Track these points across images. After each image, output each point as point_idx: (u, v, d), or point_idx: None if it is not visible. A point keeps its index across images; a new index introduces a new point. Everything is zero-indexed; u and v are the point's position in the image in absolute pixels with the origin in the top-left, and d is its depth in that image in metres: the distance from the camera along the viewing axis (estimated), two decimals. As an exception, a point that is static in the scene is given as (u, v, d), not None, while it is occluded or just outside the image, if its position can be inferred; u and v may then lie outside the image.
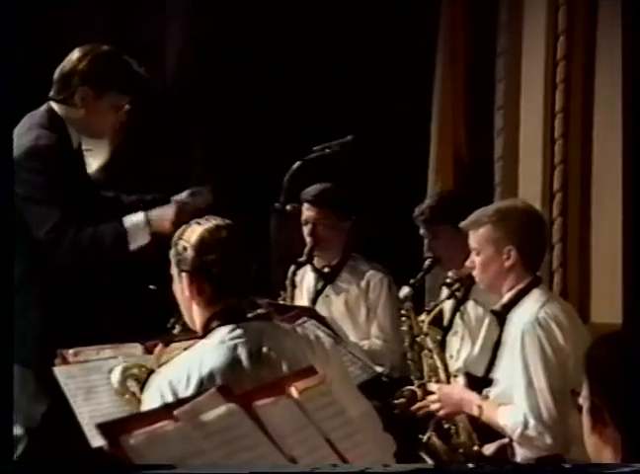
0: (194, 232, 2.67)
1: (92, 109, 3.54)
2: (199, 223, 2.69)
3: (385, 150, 5.21)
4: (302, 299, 4.52)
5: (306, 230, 4.43)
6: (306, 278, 4.57)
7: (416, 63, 5.13)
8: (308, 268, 4.53)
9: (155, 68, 5.78)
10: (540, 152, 4.51)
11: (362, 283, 4.42)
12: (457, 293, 3.85)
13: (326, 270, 4.49)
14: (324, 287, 4.48)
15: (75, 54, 3.54)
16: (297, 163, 4.62)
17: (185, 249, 2.66)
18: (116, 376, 2.86)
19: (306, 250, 4.42)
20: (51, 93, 3.57)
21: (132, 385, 2.83)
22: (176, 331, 3.12)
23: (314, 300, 4.45)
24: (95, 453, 2.73)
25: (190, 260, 2.65)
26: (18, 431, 3.41)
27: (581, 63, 4.49)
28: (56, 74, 3.57)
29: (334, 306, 4.44)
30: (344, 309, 4.43)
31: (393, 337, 4.28)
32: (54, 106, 3.56)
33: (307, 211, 4.44)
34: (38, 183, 3.40)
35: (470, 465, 3.35)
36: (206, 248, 2.64)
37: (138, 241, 3.48)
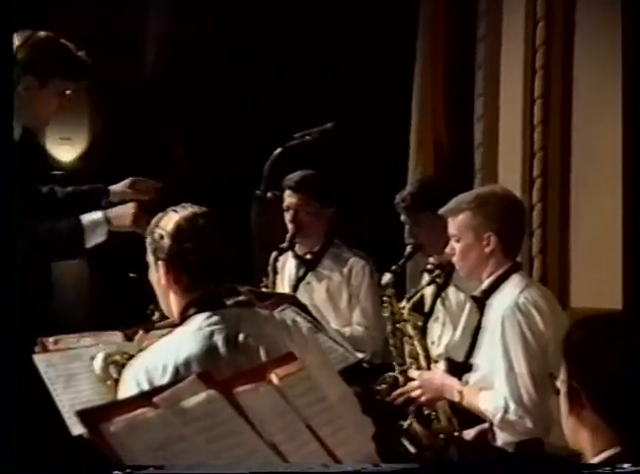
0: (170, 220, 2.65)
1: (36, 97, 3.48)
2: (175, 211, 2.67)
3: (365, 137, 5.22)
4: (283, 286, 4.52)
5: (288, 216, 4.43)
6: (287, 265, 4.57)
7: (395, 49, 5.14)
8: (290, 254, 4.53)
9: (137, 58, 5.79)
10: (520, 139, 4.52)
11: (345, 270, 4.43)
12: (438, 280, 3.86)
13: (308, 256, 4.49)
14: (305, 274, 4.49)
15: (14, 43, 3.45)
16: (278, 150, 4.62)
17: (161, 237, 2.65)
18: (98, 363, 2.85)
19: (288, 236, 4.42)
20: None
21: (114, 372, 2.82)
22: (155, 317, 3.12)
23: (295, 287, 4.46)
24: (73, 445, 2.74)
25: (166, 248, 2.64)
26: None
27: (560, 50, 4.49)
28: None
29: (315, 293, 4.45)
30: (325, 296, 4.43)
31: (375, 323, 4.29)
32: None
33: (289, 198, 4.44)
34: None
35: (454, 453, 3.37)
36: (183, 236, 2.63)
37: (95, 239, 3.47)
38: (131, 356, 2.76)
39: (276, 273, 4.43)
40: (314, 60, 5.44)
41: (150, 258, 2.71)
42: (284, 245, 4.43)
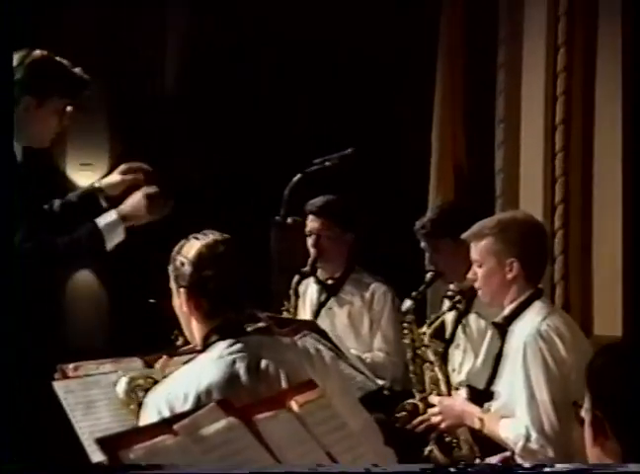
0: (192, 247, 2.66)
1: (35, 117, 3.49)
2: (197, 238, 2.68)
3: (386, 163, 5.22)
4: (305, 310, 4.51)
5: (310, 241, 4.44)
6: (309, 290, 4.57)
7: (416, 72, 5.14)
8: (311, 279, 4.53)
9: (157, 81, 5.81)
10: (541, 165, 4.51)
11: (366, 295, 4.42)
12: (459, 306, 3.84)
13: (329, 282, 4.49)
14: (327, 299, 4.48)
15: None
16: (297, 176, 4.63)
17: (182, 264, 2.65)
18: (122, 386, 2.86)
19: (310, 260, 4.42)
20: None
21: (138, 396, 2.82)
22: (179, 343, 3.11)
23: (317, 312, 4.45)
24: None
25: (187, 275, 2.64)
26: None
27: (581, 75, 4.48)
28: None
29: (337, 318, 4.44)
30: (347, 321, 4.42)
31: (396, 350, 4.27)
32: None
33: (311, 222, 4.45)
34: None
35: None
36: (204, 263, 2.63)
37: (115, 239, 3.46)
38: (156, 381, 2.76)
39: (297, 296, 4.43)
40: (314, 62, 5.45)
41: (172, 284, 2.72)
42: (306, 269, 4.44)
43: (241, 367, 2.58)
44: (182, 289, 2.67)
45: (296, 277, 4.45)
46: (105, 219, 3.46)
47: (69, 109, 3.55)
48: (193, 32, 5.75)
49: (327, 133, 5.14)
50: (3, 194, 3.04)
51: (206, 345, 2.65)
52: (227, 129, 5.53)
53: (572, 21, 4.48)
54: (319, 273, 4.49)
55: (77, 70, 3.56)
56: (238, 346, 2.61)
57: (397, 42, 5.23)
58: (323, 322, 4.36)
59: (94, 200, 3.66)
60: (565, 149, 4.46)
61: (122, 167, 3.69)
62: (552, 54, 4.49)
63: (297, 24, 5.39)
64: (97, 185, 3.70)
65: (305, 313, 4.49)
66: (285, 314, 4.36)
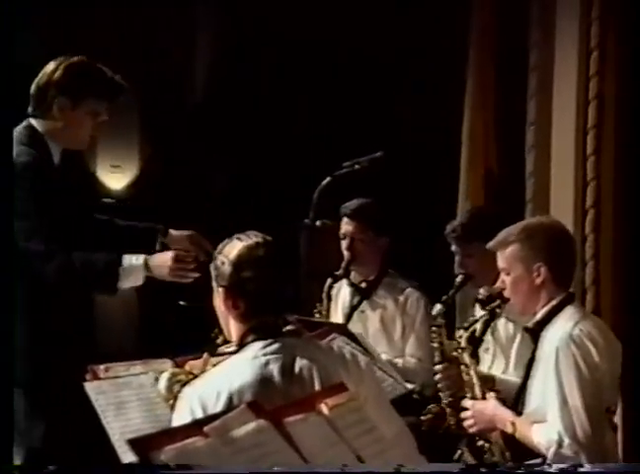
0: (233, 248, 2.67)
1: (70, 119, 3.54)
2: (239, 239, 2.69)
3: (415, 166, 5.21)
4: (337, 313, 4.51)
5: (344, 244, 4.44)
6: (342, 293, 4.56)
7: (447, 76, 5.14)
8: (344, 282, 4.53)
9: (185, 80, 5.84)
10: (572, 168, 4.48)
11: (400, 300, 4.42)
12: (498, 310, 3.81)
13: (363, 285, 4.49)
14: (360, 302, 4.47)
15: (49, 67, 3.55)
16: (327, 179, 4.63)
17: (223, 264, 2.67)
18: (163, 382, 2.89)
19: (343, 264, 4.42)
20: (29, 109, 3.57)
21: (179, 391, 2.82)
22: (219, 341, 3.13)
23: (349, 315, 4.45)
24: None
25: (227, 275, 2.66)
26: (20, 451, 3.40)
27: (613, 79, 4.46)
28: (32, 89, 3.57)
29: (369, 322, 4.43)
30: (379, 325, 4.42)
31: (428, 356, 4.25)
32: (33, 122, 3.55)
33: (346, 225, 4.46)
34: (20, 197, 3.38)
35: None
36: (244, 265, 2.64)
37: (130, 281, 3.48)
38: (196, 377, 2.78)
39: (330, 300, 4.43)
40: (363, 82, 5.46)
41: (213, 283, 2.73)
42: (340, 272, 4.43)
43: (275, 369, 2.58)
44: (221, 289, 2.68)
45: (329, 281, 4.45)
46: (130, 259, 3.47)
47: (105, 115, 3.59)
48: (223, 34, 5.77)
49: (357, 137, 5.14)
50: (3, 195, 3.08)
51: (242, 344, 2.66)
52: (257, 132, 5.55)
53: (605, 24, 4.46)
54: (352, 276, 4.49)
55: (114, 75, 3.61)
56: (273, 347, 2.62)
57: (430, 48, 5.23)
58: (355, 325, 4.36)
59: (153, 237, 3.70)
60: (596, 153, 4.43)
61: (195, 234, 3.71)
62: (584, 58, 4.47)
63: (319, 26, 5.40)
64: (166, 229, 3.73)
65: (337, 316, 4.48)
66: (318, 317, 4.36)
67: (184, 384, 2.78)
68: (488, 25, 4.94)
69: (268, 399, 2.32)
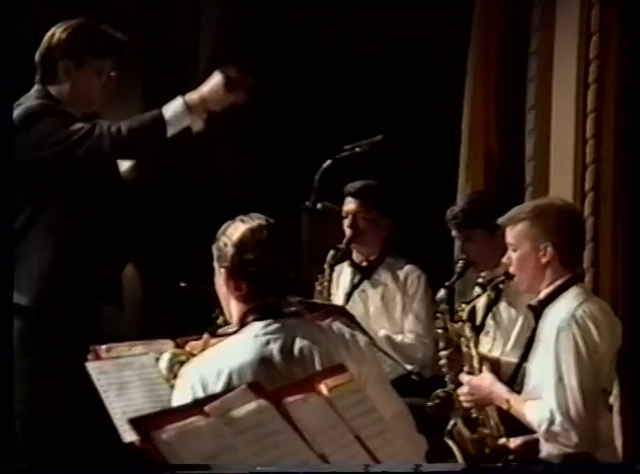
0: (236, 230, 2.70)
1: (76, 80, 3.56)
2: (242, 221, 2.71)
3: (416, 149, 5.21)
4: (338, 293, 4.53)
5: (346, 222, 4.46)
6: (343, 273, 4.58)
7: (447, 61, 5.13)
8: (346, 262, 4.55)
9: (189, 61, 5.83)
10: (572, 152, 4.49)
11: (400, 277, 4.47)
12: (501, 285, 3.83)
13: (364, 264, 4.51)
14: (360, 282, 4.50)
15: (51, 32, 3.57)
16: (328, 162, 4.64)
17: (225, 245, 2.69)
18: (164, 363, 2.91)
19: (345, 240, 4.45)
20: (36, 77, 3.59)
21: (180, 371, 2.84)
22: (219, 321, 3.15)
23: (350, 294, 4.47)
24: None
25: (229, 257, 2.68)
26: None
27: (614, 64, 4.45)
28: (37, 56, 3.59)
29: (370, 301, 4.47)
30: (380, 304, 4.46)
31: (426, 331, 4.30)
32: (42, 86, 3.57)
33: (348, 204, 4.50)
34: (46, 131, 3.41)
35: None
36: (247, 247, 2.67)
37: (179, 125, 3.47)
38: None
39: (332, 270, 4.44)
40: (363, 64, 5.45)
41: (215, 264, 2.75)
42: (341, 246, 4.45)
43: (275, 348, 2.61)
44: (222, 270, 2.71)
45: (332, 252, 4.46)
46: (168, 107, 3.48)
47: (112, 73, 3.59)
48: (227, 18, 5.77)
49: (357, 120, 5.15)
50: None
51: (243, 324, 2.68)
52: (259, 116, 5.54)
53: (606, 7, 4.45)
54: (354, 255, 4.50)
55: (114, 32, 3.62)
56: (274, 327, 2.65)
57: (429, 30, 5.22)
58: (356, 305, 4.40)
59: None
60: (596, 137, 4.44)
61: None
62: (585, 42, 4.46)
63: (325, 14, 5.40)
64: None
65: (338, 295, 4.50)
66: (318, 288, 4.38)
67: (184, 364, 2.80)
68: (489, 9, 4.93)
69: (268, 378, 2.35)
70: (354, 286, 4.51)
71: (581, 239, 3.54)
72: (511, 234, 3.45)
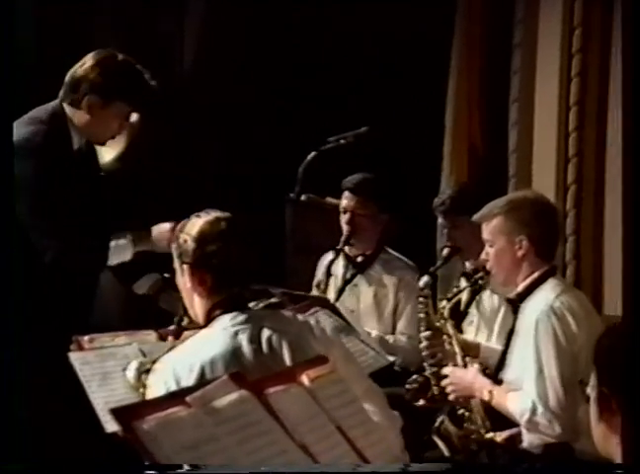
0: (194, 225, 2.72)
1: (97, 116, 3.53)
2: (198, 216, 2.73)
3: (399, 141, 5.22)
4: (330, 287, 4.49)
5: (344, 218, 4.38)
6: (335, 266, 4.52)
7: (431, 54, 5.14)
8: (340, 256, 4.49)
9: (175, 59, 5.83)
10: (555, 145, 4.51)
11: (395, 278, 4.39)
12: (481, 281, 3.86)
13: (359, 259, 4.46)
14: (353, 276, 4.45)
15: (89, 62, 3.53)
16: (312, 154, 4.65)
17: (185, 241, 2.71)
18: (131, 372, 2.89)
19: (343, 238, 4.36)
20: (60, 94, 3.57)
21: (147, 380, 2.85)
22: (184, 323, 3.15)
23: (342, 289, 4.42)
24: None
25: (191, 251, 2.69)
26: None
27: (597, 57, 4.48)
28: (67, 77, 3.56)
29: (362, 296, 4.40)
30: (372, 301, 4.39)
31: (418, 334, 4.27)
32: (64, 105, 3.56)
33: (347, 200, 4.38)
34: (30, 177, 3.40)
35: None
36: (207, 239, 2.68)
37: (119, 258, 3.54)
38: None
39: (330, 275, 4.40)
40: (347, 57, 5.46)
41: (176, 263, 2.77)
42: (339, 246, 4.40)
43: (243, 339, 2.62)
44: (185, 266, 2.72)
45: (331, 255, 4.42)
46: (118, 240, 3.52)
47: (134, 118, 3.58)
48: (211, 16, 5.76)
49: (341, 112, 5.15)
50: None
51: (210, 319, 2.69)
52: (243, 109, 5.54)
53: (588, 2, 4.47)
54: (348, 249, 4.44)
55: (152, 82, 3.59)
56: (241, 318, 2.66)
57: (412, 22, 5.23)
58: (348, 299, 4.36)
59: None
60: (578, 130, 4.46)
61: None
62: (568, 35, 4.49)
63: (311, 11, 5.40)
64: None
65: (329, 289, 4.46)
66: (317, 292, 4.34)
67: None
68: (473, 1, 4.95)
69: (240, 368, 2.36)
70: (346, 281, 4.45)
71: (556, 231, 3.55)
72: (486, 230, 3.46)
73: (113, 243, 3.51)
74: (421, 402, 3.71)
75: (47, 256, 3.42)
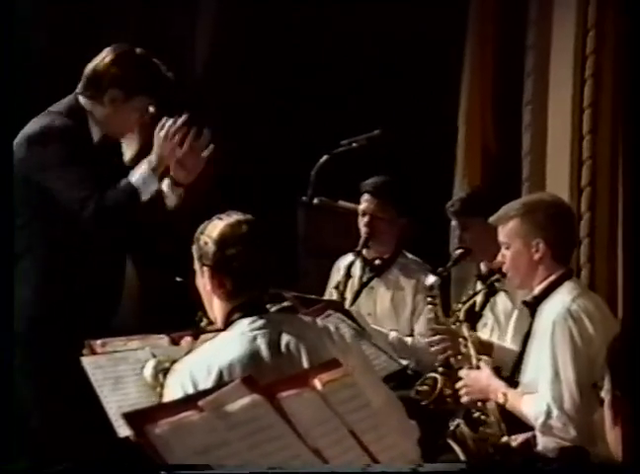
0: (215, 227, 2.71)
1: (119, 110, 3.56)
2: (220, 218, 2.73)
3: (412, 144, 5.21)
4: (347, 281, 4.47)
5: (363, 221, 4.38)
6: (352, 269, 4.50)
7: (444, 56, 5.12)
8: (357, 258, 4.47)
9: (185, 61, 5.83)
10: (568, 147, 4.49)
11: (412, 282, 4.38)
12: (497, 284, 3.85)
13: (376, 262, 4.44)
14: (371, 279, 4.44)
15: (108, 56, 3.55)
16: (325, 157, 4.64)
17: (206, 243, 2.70)
18: (148, 370, 2.90)
19: (361, 241, 4.37)
20: (79, 88, 3.58)
21: (164, 379, 2.85)
22: (203, 324, 3.15)
23: (359, 291, 4.41)
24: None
25: (211, 254, 2.69)
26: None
27: (611, 58, 4.45)
28: (87, 72, 3.57)
29: (379, 299, 4.40)
30: (389, 304, 4.39)
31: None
32: (80, 98, 3.58)
33: (367, 203, 4.38)
34: (52, 157, 3.43)
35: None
36: (228, 242, 2.68)
37: (149, 189, 3.50)
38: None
39: (349, 277, 4.39)
40: (359, 59, 5.45)
41: (196, 264, 2.76)
42: (358, 249, 4.39)
43: (262, 343, 2.62)
44: (205, 268, 2.72)
45: (350, 258, 4.41)
46: (134, 173, 3.50)
47: (151, 109, 3.59)
48: (224, 12, 5.76)
49: (355, 115, 5.14)
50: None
51: (229, 322, 2.69)
52: (256, 110, 5.54)
53: (602, 3, 4.45)
54: (366, 252, 4.43)
55: (169, 74, 3.61)
56: (259, 322, 2.66)
57: (426, 24, 5.22)
58: (365, 302, 4.36)
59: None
60: (592, 132, 4.44)
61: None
62: (582, 37, 4.46)
63: (321, 11, 5.40)
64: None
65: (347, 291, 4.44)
66: (335, 294, 4.33)
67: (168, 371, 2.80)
68: (486, 3, 4.93)
69: (257, 374, 2.35)
70: (363, 284, 4.44)
71: (572, 233, 3.55)
72: (502, 233, 3.45)
73: (134, 180, 3.48)
74: (425, 402, 3.70)
75: (88, 210, 3.40)
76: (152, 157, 3.52)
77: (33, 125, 3.51)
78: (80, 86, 3.58)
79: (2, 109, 3.34)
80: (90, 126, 3.57)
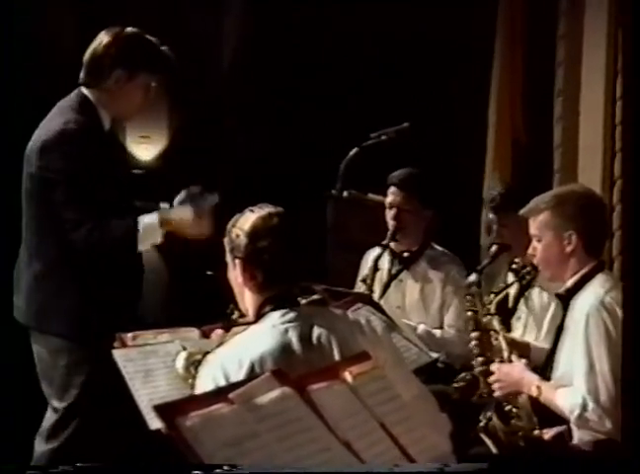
0: (247, 220, 2.71)
1: (124, 90, 3.58)
2: (252, 211, 2.73)
3: (442, 137, 5.20)
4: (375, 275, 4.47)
5: (390, 214, 4.39)
6: (381, 261, 4.51)
7: (475, 45, 5.10)
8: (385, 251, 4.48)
9: (211, 59, 5.85)
10: (600, 139, 4.45)
11: (441, 274, 4.38)
12: (528, 276, 3.82)
13: (405, 254, 4.45)
14: (399, 272, 4.45)
15: (105, 38, 3.57)
16: (354, 150, 4.63)
17: (238, 236, 2.70)
18: (180, 362, 2.91)
19: (389, 234, 4.38)
20: (82, 78, 3.60)
21: (197, 370, 2.86)
22: (234, 316, 3.16)
23: (388, 284, 4.42)
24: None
25: (243, 246, 2.69)
26: (55, 404, 3.54)
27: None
28: (87, 58, 3.60)
29: (408, 291, 4.41)
30: (418, 296, 4.39)
31: (467, 327, 4.25)
32: (84, 90, 3.60)
33: (393, 195, 4.38)
34: (66, 167, 3.44)
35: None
36: (259, 235, 2.68)
37: (149, 241, 3.54)
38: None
39: (377, 270, 4.40)
40: (388, 56, 5.44)
41: (228, 257, 2.77)
42: (385, 242, 4.40)
43: (293, 336, 2.61)
44: (237, 261, 2.72)
45: (378, 250, 4.42)
46: (143, 220, 3.52)
47: (154, 85, 3.63)
48: (250, 9, 5.77)
49: (384, 108, 5.14)
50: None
51: (260, 315, 2.69)
52: (285, 104, 5.55)
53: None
54: (394, 245, 4.44)
55: (164, 48, 3.65)
56: (291, 315, 2.66)
57: (456, 15, 5.20)
58: (394, 294, 4.36)
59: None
60: (624, 123, 4.40)
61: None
62: (614, 27, 4.42)
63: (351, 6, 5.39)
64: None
65: (375, 283, 4.45)
66: (363, 287, 4.34)
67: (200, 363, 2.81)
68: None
69: (288, 366, 2.35)
70: (392, 276, 4.45)
71: (604, 225, 3.51)
72: (533, 225, 3.43)
73: (141, 223, 3.51)
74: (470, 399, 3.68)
75: (79, 233, 3.44)
76: (171, 216, 3.56)
77: (48, 128, 3.53)
78: (82, 75, 3.60)
79: (2, 108, 3.36)
80: (100, 116, 3.59)
